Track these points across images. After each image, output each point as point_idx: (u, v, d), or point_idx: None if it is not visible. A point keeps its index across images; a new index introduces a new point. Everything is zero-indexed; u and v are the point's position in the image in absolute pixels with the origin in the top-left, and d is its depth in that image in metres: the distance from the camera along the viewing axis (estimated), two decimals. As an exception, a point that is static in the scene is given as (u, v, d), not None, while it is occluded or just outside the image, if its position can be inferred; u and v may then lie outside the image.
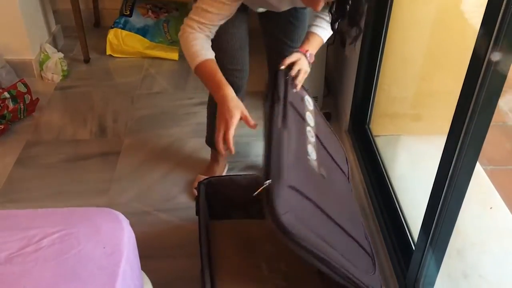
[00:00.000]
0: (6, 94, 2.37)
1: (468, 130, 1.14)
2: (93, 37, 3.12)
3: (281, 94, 1.41)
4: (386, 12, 1.92)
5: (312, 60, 1.57)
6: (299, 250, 1.12)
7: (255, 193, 1.14)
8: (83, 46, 2.90)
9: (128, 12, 3.05)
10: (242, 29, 1.68)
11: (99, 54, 3.03)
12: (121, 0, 3.16)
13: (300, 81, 1.51)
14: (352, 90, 2.19)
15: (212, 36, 1.44)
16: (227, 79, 1.41)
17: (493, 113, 1.12)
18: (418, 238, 1.45)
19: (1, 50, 2.64)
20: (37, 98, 2.54)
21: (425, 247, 1.38)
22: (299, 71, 1.51)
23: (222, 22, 1.43)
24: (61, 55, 2.79)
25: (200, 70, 1.41)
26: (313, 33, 1.57)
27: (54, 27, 3.04)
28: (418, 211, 1.45)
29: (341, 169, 1.58)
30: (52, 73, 2.75)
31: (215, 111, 1.94)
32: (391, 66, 2.04)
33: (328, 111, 2.46)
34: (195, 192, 1.85)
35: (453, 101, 1.19)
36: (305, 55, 1.54)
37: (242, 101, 1.37)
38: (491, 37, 1.03)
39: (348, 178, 1.62)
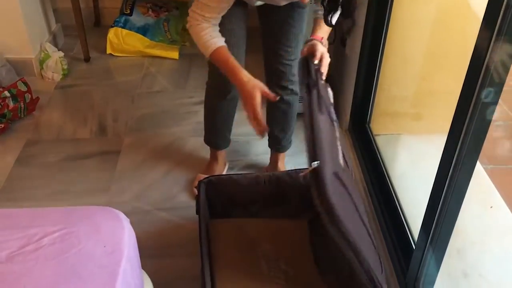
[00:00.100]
0: (7, 93, 2.37)
1: (469, 129, 1.14)
2: (94, 36, 3.12)
3: (314, 81, 1.41)
4: (387, 12, 1.92)
5: (326, 46, 1.57)
6: (338, 236, 1.12)
7: (303, 174, 1.16)
8: (84, 45, 2.90)
9: (129, 11, 3.05)
10: (239, 27, 1.68)
11: (99, 53, 3.03)
12: (121, -1, 3.16)
13: (325, 69, 1.52)
14: (353, 89, 2.19)
15: (218, 22, 1.50)
16: (219, 73, 1.50)
17: (493, 112, 1.12)
18: (418, 237, 1.45)
19: (1, 49, 2.64)
20: (37, 97, 2.54)
21: (425, 246, 1.38)
22: (322, 59, 1.52)
23: (223, 13, 1.49)
24: (61, 54, 2.78)
25: (214, 59, 1.50)
26: (321, 19, 1.57)
27: (54, 26, 3.04)
28: (418, 210, 1.45)
29: (347, 164, 1.59)
30: (53, 72, 2.75)
31: (211, 111, 1.96)
32: (392, 65, 2.04)
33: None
34: (195, 191, 1.85)
35: (453, 100, 1.19)
36: (321, 42, 1.54)
37: (237, 99, 1.40)
38: (492, 36, 1.03)
39: (352, 174, 1.62)
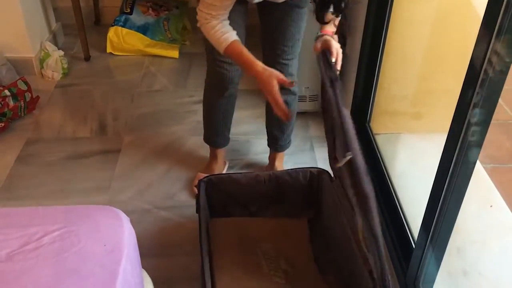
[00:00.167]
0: (7, 92, 2.37)
1: (468, 129, 1.14)
2: (94, 35, 3.12)
3: (336, 76, 1.42)
4: (387, 11, 1.92)
5: (336, 40, 1.58)
6: (367, 228, 1.15)
7: (338, 165, 1.21)
8: (84, 44, 2.90)
9: (129, 10, 3.05)
10: (237, 24, 1.68)
11: (99, 52, 3.03)
12: (121, -2, 3.16)
13: (339, 63, 1.53)
14: (353, 88, 2.19)
15: (226, 17, 1.51)
16: (216, 70, 1.54)
17: (493, 111, 1.12)
18: (418, 236, 1.45)
19: (1, 48, 2.64)
20: (38, 96, 2.54)
21: (425, 245, 1.38)
22: (338, 55, 1.53)
23: (230, 8, 1.50)
24: (61, 53, 2.78)
25: (228, 54, 1.52)
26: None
27: (54, 25, 3.04)
28: (418, 209, 1.45)
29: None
30: (53, 71, 2.75)
31: (209, 108, 1.96)
32: (391, 64, 2.04)
33: (328, 109, 2.46)
34: (195, 190, 1.85)
35: (453, 99, 1.19)
36: (333, 37, 1.54)
37: (235, 96, 1.40)
38: (492, 35, 1.03)
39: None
